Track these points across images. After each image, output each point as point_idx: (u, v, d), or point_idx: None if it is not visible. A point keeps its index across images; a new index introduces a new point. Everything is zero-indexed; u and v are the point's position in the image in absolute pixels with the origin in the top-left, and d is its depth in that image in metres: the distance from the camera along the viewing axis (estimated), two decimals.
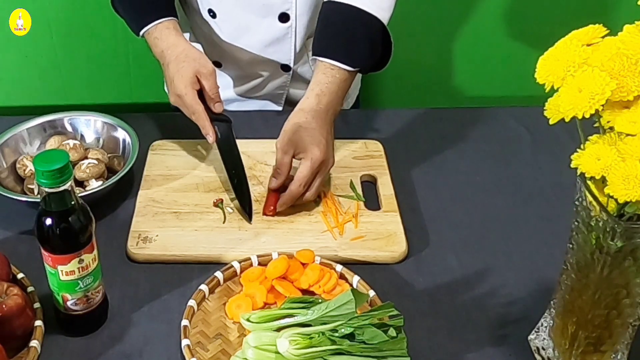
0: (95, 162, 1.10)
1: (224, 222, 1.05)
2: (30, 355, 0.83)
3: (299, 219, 1.05)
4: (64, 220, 0.79)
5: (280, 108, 1.36)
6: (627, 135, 0.65)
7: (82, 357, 0.86)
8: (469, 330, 0.90)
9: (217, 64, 1.30)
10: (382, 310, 0.83)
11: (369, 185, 1.14)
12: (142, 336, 0.88)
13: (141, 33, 1.14)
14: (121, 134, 1.15)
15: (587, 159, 0.67)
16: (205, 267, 0.96)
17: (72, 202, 0.79)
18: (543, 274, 0.97)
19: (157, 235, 1.01)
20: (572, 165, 0.68)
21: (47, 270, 0.83)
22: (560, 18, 1.68)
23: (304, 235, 1.02)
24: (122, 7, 1.18)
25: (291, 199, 1.04)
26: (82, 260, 0.82)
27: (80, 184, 1.09)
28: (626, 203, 0.66)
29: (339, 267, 0.95)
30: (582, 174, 0.67)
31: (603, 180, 0.66)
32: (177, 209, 1.07)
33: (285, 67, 1.28)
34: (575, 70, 0.67)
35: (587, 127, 0.69)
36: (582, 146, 0.69)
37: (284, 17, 1.20)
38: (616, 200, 0.65)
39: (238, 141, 1.11)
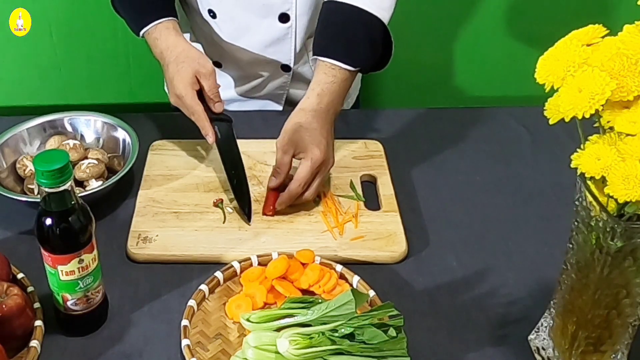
0: (95, 162, 1.10)
1: (224, 222, 1.05)
2: (30, 355, 0.83)
3: (299, 219, 1.05)
4: (64, 220, 0.79)
5: (280, 108, 1.36)
6: (627, 135, 0.65)
7: (82, 357, 0.86)
8: (469, 330, 0.90)
9: (218, 64, 1.30)
10: (382, 310, 0.83)
11: (369, 185, 1.14)
12: (142, 336, 0.88)
13: (141, 33, 1.14)
14: (121, 134, 1.15)
15: (587, 159, 0.67)
16: (205, 267, 0.96)
17: (72, 202, 0.79)
18: (543, 274, 0.97)
19: (157, 235, 1.01)
20: (572, 165, 0.68)
21: (47, 270, 0.83)
22: (560, 18, 1.68)
23: (304, 235, 1.02)
24: (122, 7, 1.18)
25: (290, 199, 1.04)
26: (82, 260, 0.82)
27: (80, 184, 1.09)
28: (626, 203, 0.66)
29: (339, 267, 0.95)
30: (582, 174, 0.67)
31: (603, 180, 0.66)
32: (177, 209, 1.07)
33: (286, 67, 1.28)
34: (575, 70, 0.67)
35: (587, 127, 0.69)
36: (582, 146, 0.69)
37: (284, 18, 1.20)
38: (616, 200, 0.65)
39: (238, 141, 1.11)
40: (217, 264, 0.96)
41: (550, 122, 0.69)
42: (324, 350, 0.80)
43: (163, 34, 1.12)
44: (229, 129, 1.10)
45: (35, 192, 1.07)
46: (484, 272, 0.98)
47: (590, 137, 0.69)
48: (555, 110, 0.68)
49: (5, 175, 1.09)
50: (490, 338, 0.89)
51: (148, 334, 0.89)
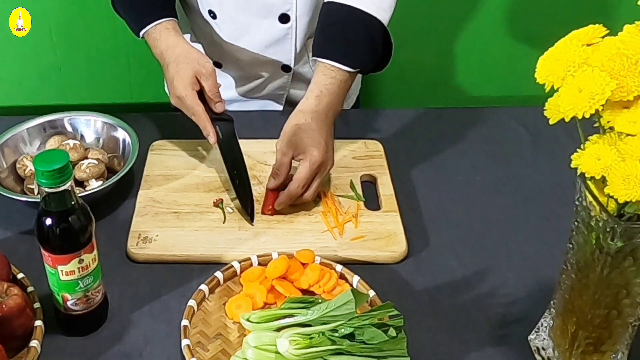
0: (95, 162, 1.10)
1: (224, 222, 1.05)
2: (30, 355, 0.83)
3: (299, 219, 1.05)
4: (64, 220, 0.79)
5: (281, 108, 1.36)
6: (627, 135, 0.65)
7: (82, 357, 0.86)
8: (469, 330, 0.90)
9: (218, 65, 1.30)
10: (382, 310, 0.83)
11: (369, 185, 1.14)
12: (142, 336, 0.88)
13: (141, 34, 1.14)
14: (121, 134, 1.15)
15: (587, 159, 0.67)
16: (205, 267, 0.96)
17: (72, 202, 0.79)
18: (543, 274, 0.97)
19: (157, 235, 1.01)
20: (572, 165, 0.68)
21: (47, 270, 0.83)
22: (560, 18, 1.68)
23: (304, 235, 1.02)
24: (122, 7, 1.18)
25: (289, 199, 1.04)
26: (82, 260, 0.82)
27: (80, 184, 1.09)
28: (626, 203, 0.66)
29: (339, 267, 0.95)
30: (582, 174, 0.67)
31: (603, 180, 0.66)
32: (177, 209, 1.07)
33: (286, 68, 1.28)
34: (575, 70, 0.67)
35: (587, 127, 0.69)
36: (582, 146, 0.69)
37: (284, 18, 1.20)
38: (616, 200, 0.65)
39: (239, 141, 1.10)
40: (217, 264, 0.96)
41: (550, 122, 0.69)
42: (324, 350, 0.80)
43: (163, 35, 1.12)
44: (231, 129, 1.10)
45: (35, 192, 1.07)
46: (484, 272, 0.98)
47: (590, 137, 0.69)
48: (555, 110, 0.68)
49: (5, 175, 1.09)
50: (490, 338, 0.89)
51: (148, 334, 0.89)
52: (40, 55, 1.66)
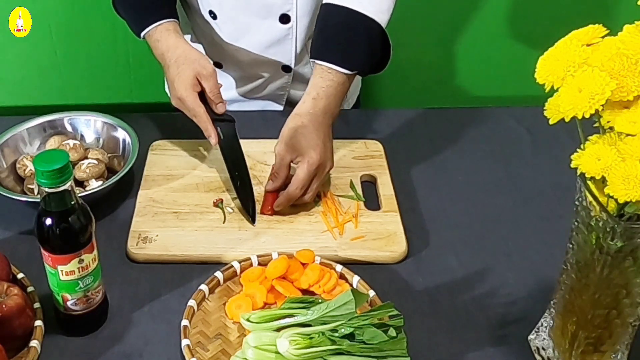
0: (95, 162, 1.10)
1: (224, 222, 1.05)
2: (30, 355, 0.83)
3: (299, 219, 1.05)
4: (64, 220, 0.79)
5: (281, 108, 1.36)
6: (627, 135, 0.65)
7: (82, 357, 0.86)
8: (469, 330, 0.90)
9: (218, 65, 1.30)
10: (382, 310, 0.83)
11: (369, 185, 1.14)
12: (142, 336, 0.88)
13: (142, 35, 1.14)
14: (121, 134, 1.15)
15: (587, 159, 0.67)
16: (205, 267, 0.96)
17: (72, 202, 0.79)
18: (543, 274, 0.97)
19: (157, 235, 1.01)
20: (572, 165, 0.68)
21: (47, 270, 0.83)
22: (560, 18, 1.68)
23: (304, 235, 1.02)
24: (123, 8, 1.18)
25: (288, 201, 1.04)
26: (82, 260, 0.82)
27: (80, 184, 1.09)
28: (626, 203, 0.66)
29: (339, 267, 0.95)
30: (582, 174, 0.67)
31: (603, 180, 0.66)
32: (177, 209, 1.07)
33: (286, 68, 1.28)
34: (575, 70, 0.67)
35: (587, 127, 0.69)
36: (582, 146, 0.69)
37: (284, 18, 1.20)
38: (616, 200, 0.65)
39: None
40: (217, 264, 0.96)
41: (550, 122, 0.69)
42: (324, 350, 0.80)
43: (164, 36, 1.12)
44: (232, 130, 1.10)
45: (35, 192, 1.07)
46: (484, 272, 0.98)
47: (590, 137, 0.69)
48: (555, 110, 0.68)
49: (5, 175, 1.09)
50: (490, 338, 0.89)
51: (148, 334, 0.89)
52: (40, 55, 1.66)
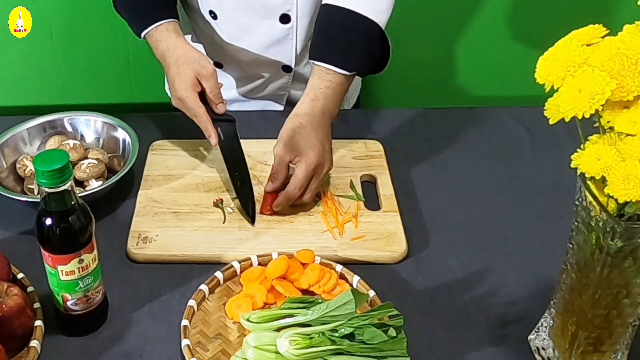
0: (95, 162, 1.10)
1: (224, 222, 1.05)
2: (30, 355, 0.83)
3: (299, 219, 1.05)
4: (64, 220, 0.79)
5: (281, 108, 1.36)
6: (627, 135, 0.65)
7: (82, 357, 0.86)
8: (469, 330, 0.90)
9: (219, 65, 1.30)
10: (382, 310, 0.83)
11: (369, 185, 1.14)
12: (142, 336, 0.88)
13: (142, 35, 1.14)
14: (121, 134, 1.15)
15: (587, 159, 0.67)
16: (205, 267, 0.96)
17: (72, 202, 0.79)
18: (543, 274, 0.97)
19: (157, 235, 1.01)
20: (572, 165, 0.68)
21: (47, 270, 0.83)
22: (560, 18, 1.68)
23: (304, 235, 1.02)
24: (124, 8, 1.18)
25: (286, 201, 1.04)
26: (82, 260, 0.82)
27: (80, 184, 1.09)
28: (626, 203, 0.66)
29: (339, 267, 0.95)
30: (582, 174, 0.67)
31: (603, 180, 0.66)
32: (177, 209, 1.07)
33: (287, 68, 1.28)
34: (575, 70, 0.67)
35: (587, 127, 0.69)
36: (582, 146, 0.69)
37: (284, 19, 1.20)
38: (616, 200, 0.65)
39: None
40: (217, 264, 0.96)
41: (550, 122, 0.69)
42: (324, 350, 0.80)
43: (164, 36, 1.12)
44: (232, 130, 1.10)
45: (35, 192, 1.07)
46: (484, 272, 0.98)
47: (590, 137, 0.69)
48: (555, 110, 0.68)
49: (5, 175, 1.09)
50: (490, 338, 0.89)
51: (148, 334, 0.89)
52: (40, 55, 1.66)
